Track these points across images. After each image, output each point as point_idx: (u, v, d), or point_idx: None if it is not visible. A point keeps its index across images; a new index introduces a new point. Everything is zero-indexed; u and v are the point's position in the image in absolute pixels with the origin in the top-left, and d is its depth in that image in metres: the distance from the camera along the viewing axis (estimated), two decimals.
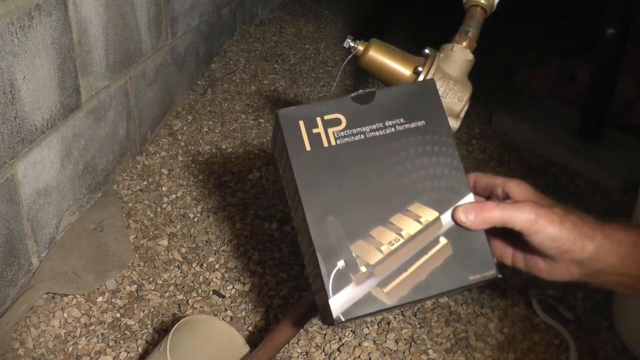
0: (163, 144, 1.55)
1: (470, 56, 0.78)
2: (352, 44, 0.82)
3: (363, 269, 0.52)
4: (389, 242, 0.53)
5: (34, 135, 1.03)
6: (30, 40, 0.99)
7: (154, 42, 1.52)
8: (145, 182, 1.39)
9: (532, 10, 2.41)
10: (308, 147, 0.54)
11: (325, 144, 0.55)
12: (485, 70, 2.04)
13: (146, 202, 1.32)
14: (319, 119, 0.55)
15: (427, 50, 0.79)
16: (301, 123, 0.55)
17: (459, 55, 0.78)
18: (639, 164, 1.57)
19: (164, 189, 1.38)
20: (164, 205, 1.32)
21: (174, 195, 1.36)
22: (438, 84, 0.75)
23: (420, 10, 2.68)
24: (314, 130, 0.55)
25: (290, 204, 0.57)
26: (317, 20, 2.63)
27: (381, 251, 0.53)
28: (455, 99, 0.76)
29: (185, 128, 1.63)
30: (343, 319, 0.51)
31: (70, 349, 0.98)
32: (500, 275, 0.55)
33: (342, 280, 0.52)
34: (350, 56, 0.83)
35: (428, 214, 0.54)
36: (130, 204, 1.31)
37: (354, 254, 0.52)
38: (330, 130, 0.55)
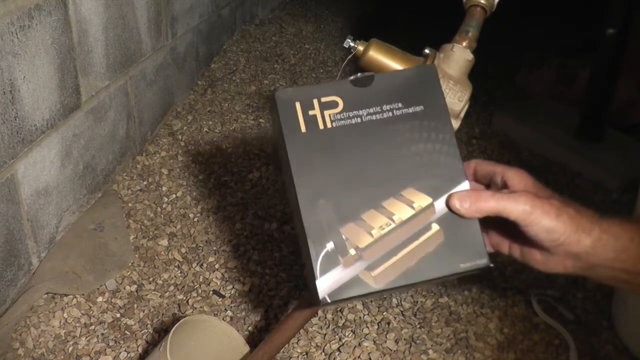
0: (163, 144, 1.55)
1: (470, 56, 0.78)
2: (352, 44, 0.82)
3: (352, 251, 0.52)
4: (380, 226, 0.53)
5: (34, 135, 1.03)
6: (30, 40, 0.99)
7: (154, 42, 1.52)
8: (145, 182, 1.39)
9: (532, 10, 2.41)
10: (303, 129, 0.54)
11: (321, 126, 0.55)
12: (485, 70, 2.04)
13: (146, 202, 1.32)
14: (315, 101, 0.55)
15: (427, 50, 0.80)
16: (297, 104, 0.55)
17: (459, 55, 0.78)
18: (639, 164, 1.57)
19: (164, 189, 1.38)
20: (164, 205, 1.32)
21: (174, 195, 1.36)
22: None
23: (420, 10, 2.68)
24: (310, 112, 0.55)
25: (287, 185, 0.57)
26: (317, 20, 2.63)
27: (371, 235, 0.53)
28: (455, 99, 0.76)
29: (185, 128, 1.64)
30: (329, 301, 0.52)
31: (70, 349, 0.98)
32: (492, 265, 0.54)
33: (331, 262, 0.52)
34: (350, 56, 0.83)
35: (421, 200, 0.54)
36: (130, 204, 1.31)
37: (343, 237, 0.52)
38: (326, 113, 0.55)
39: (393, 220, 0.53)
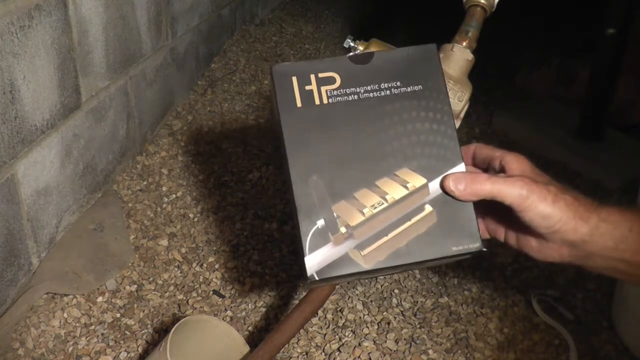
0: (163, 144, 1.55)
1: (470, 56, 0.78)
2: (352, 44, 0.82)
3: (343, 229, 0.52)
4: (372, 205, 0.53)
5: (34, 135, 1.03)
6: (30, 40, 0.99)
7: (154, 42, 1.52)
8: (145, 182, 1.39)
9: (532, 10, 2.41)
10: (299, 104, 0.54)
11: (317, 102, 0.54)
12: (485, 70, 2.04)
13: (146, 202, 1.32)
14: (312, 76, 0.55)
15: None
16: (294, 79, 0.54)
17: (459, 55, 0.78)
18: (639, 164, 1.57)
19: (164, 189, 1.38)
20: (164, 205, 1.32)
21: (174, 195, 1.36)
22: None
23: (420, 10, 2.68)
24: (307, 87, 0.54)
25: (281, 160, 0.56)
26: (317, 20, 2.63)
27: (363, 213, 0.52)
28: (455, 99, 0.76)
29: (185, 128, 1.64)
30: (317, 278, 0.51)
31: (70, 349, 0.98)
32: (485, 249, 0.53)
33: (320, 240, 0.52)
34: None
35: (416, 180, 0.53)
36: (130, 204, 1.31)
37: (335, 214, 0.52)
38: (323, 89, 0.55)
39: (386, 200, 0.53)
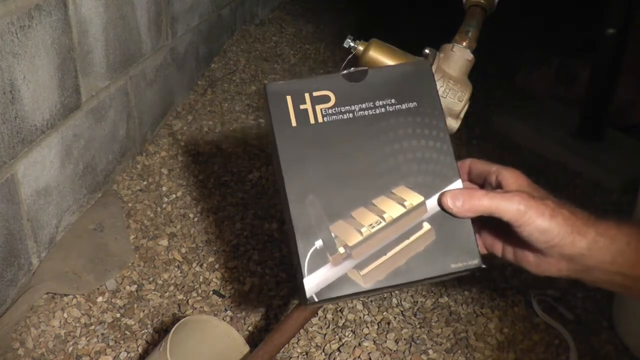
0: (163, 144, 1.55)
1: (470, 56, 0.78)
2: (352, 44, 0.82)
3: (341, 249, 0.51)
4: (370, 224, 0.52)
5: (34, 135, 1.03)
6: (30, 40, 0.99)
7: (154, 42, 1.52)
8: (145, 182, 1.39)
9: (532, 10, 2.41)
10: (294, 123, 0.54)
11: (312, 121, 0.54)
12: (485, 70, 2.04)
13: (146, 202, 1.32)
14: (307, 95, 0.54)
15: (427, 50, 0.79)
16: (288, 98, 0.54)
17: (459, 55, 0.78)
18: (639, 164, 1.57)
19: (164, 189, 1.38)
20: (164, 205, 1.32)
21: (174, 195, 1.36)
22: (438, 84, 0.75)
23: (420, 10, 2.68)
24: (301, 106, 0.54)
25: (277, 180, 0.56)
26: (317, 20, 2.63)
27: (361, 233, 0.52)
28: (455, 99, 0.76)
29: (185, 128, 1.64)
30: (316, 300, 0.51)
31: (70, 349, 0.98)
32: (484, 266, 0.53)
33: (319, 260, 0.51)
34: (350, 56, 0.83)
35: (413, 198, 0.53)
36: (130, 204, 1.31)
37: (333, 234, 0.52)
38: (318, 107, 0.54)
39: (383, 219, 0.52)
